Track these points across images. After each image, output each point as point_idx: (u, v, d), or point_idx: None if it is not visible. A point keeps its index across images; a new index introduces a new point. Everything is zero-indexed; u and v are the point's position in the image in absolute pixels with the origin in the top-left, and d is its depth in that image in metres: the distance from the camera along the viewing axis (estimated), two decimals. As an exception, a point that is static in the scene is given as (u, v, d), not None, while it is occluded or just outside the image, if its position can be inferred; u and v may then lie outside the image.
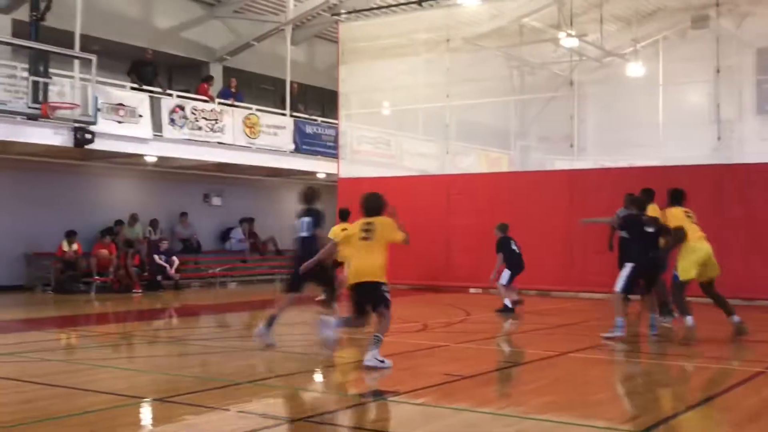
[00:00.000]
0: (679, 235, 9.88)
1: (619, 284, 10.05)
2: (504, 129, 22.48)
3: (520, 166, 22.55)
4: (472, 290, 17.88)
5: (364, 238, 8.28)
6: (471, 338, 10.58)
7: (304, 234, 9.48)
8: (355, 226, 8.64)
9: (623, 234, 11.41)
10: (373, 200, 8.74)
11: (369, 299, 8.10)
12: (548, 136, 22.17)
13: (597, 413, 6.24)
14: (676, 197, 10.34)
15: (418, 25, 20.16)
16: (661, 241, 10.22)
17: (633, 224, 10.31)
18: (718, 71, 16.55)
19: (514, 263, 13.20)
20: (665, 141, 18.78)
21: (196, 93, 19.95)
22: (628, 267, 10.09)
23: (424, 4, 20.14)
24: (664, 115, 19.09)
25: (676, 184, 15.60)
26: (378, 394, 6.67)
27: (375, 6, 22.53)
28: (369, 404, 6.42)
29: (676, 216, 10.06)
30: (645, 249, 10.13)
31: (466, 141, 21.60)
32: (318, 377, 7.99)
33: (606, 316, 13.22)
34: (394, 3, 21.94)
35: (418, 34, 20.06)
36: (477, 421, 5.87)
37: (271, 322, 9.14)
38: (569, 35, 19.58)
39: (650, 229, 10.10)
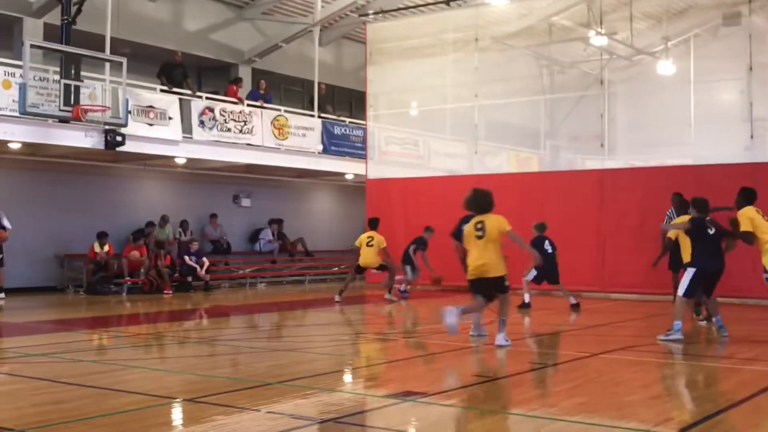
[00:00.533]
0: (748, 238, 9.76)
1: (683, 289, 9.89)
2: (533, 128, 22.34)
3: (550, 165, 22.41)
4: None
5: (479, 237, 9.09)
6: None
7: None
8: (469, 226, 9.35)
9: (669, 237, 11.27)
10: (481, 198, 9.43)
11: (490, 290, 9.14)
12: (578, 135, 22.00)
13: (629, 414, 6.16)
14: (748, 196, 10.12)
15: (446, 24, 20.12)
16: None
17: (698, 227, 10.08)
18: (750, 68, 16.33)
19: (542, 263, 13.10)
20: (697, 139, 18.58)
21: (225, 95, 20.06)
22: (690, 271, 9.92)
23: (452, 3, 20.10)
24: (695, 114, 18.89)
25: (708, 184, 15.46)
26: (407, 395, 6.63)
27: (402, 6, 22.52)
28: (398, 405, 6.39)
29: (747, 216, 9.84)
30: (708, 252, 9.92)
31: (495, 141, 21.51)
32: (347, 377, 7.98)
33: (635, 317, 13.09)
34: (421, 3, 21.92)
35: (446, 33, 20.02)
36: (507, 423, 5.82)
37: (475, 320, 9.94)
38: (599, 33, 19.43)
39: (712, 231, 9.95)
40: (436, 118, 21.73)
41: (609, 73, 21.14)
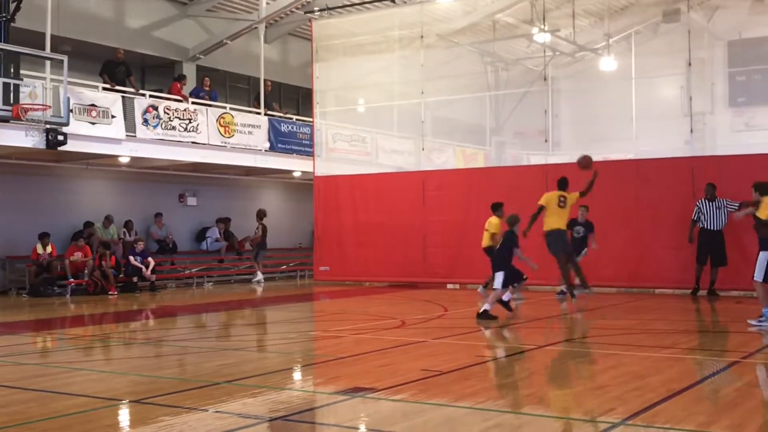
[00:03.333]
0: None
1: (759, 274, 10.13)
2: (479, 125, 22.58)
3: (495, 161, 22.66)
4: (449, 286, 17.92)
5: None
6: (448, 333, 10.61)
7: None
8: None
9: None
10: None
11: None
12: (523, 131, 22.30)
13: (574, 406, 6.29)
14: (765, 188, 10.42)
15: (391, 22, 20.17)
16: None
17: None
18: (689, 64, 16.71)
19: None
20: (639, 134, 18.96)
21: (169, 92, 19.82)
22: (763, 255, 10.14)
23: (397, 0, 20.16)
24: (637, 109, 19.27)
25: (650, 177, 15.84)
26: (356, 391, 6.66)
27: (348, 3, 22.49)
28: (347, 401, 6.42)
29: None
30: None
31: (442, 137, 21.66)
32: (296, 375, 7.98)
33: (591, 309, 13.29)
34: (367, 0, 21.93)
35: (392, 31, 20.08)
36: (455, 416, 5.89)
37: None
38: (542, 30, 19.68)
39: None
40: (384, 114, 21.80)
41: (552, 69, 21.46)
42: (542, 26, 19.36)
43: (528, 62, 22.25)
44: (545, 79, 20.29)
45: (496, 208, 13.98)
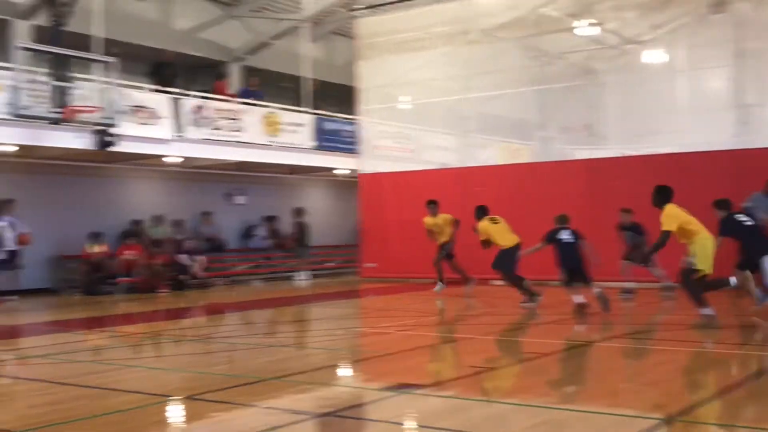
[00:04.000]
0: None
1: None
2: (524, 120, 22.43)
3: (540, 156, 22.47)
4: (495, 282, 17.84)
5: None
6: (497, 330, 10.59)
7: None
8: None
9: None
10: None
11: None
12: (568, 125, 22.09)
13: (623, 402, 6.25)
14: None
15: (435, 18, 20.13)
16: None
17: None
18: (738, 55, 16.40)
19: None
20: (686, 127, 18.64)
21: (214, 92, 20.04)
22: None
23: (441, -4, 20.11)
24: (684, 102, 18.95)
25: (698, 171, 15.58)
26: (403, 387, 6.70)
27: (392, 0, 22.50)
28: (394, 398, 6.46)
29: None
30: None
31: (486, 133, 21.54)
32: (343, 371, 8.04)
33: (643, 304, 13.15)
34: (411, -3, 21.91)
35: (436, 27, 20.03)
36: (503, 413, 5.89)
37: None
38: (587, 24, 19.47)
39: None
40: (428, 111, 21.76)
41: (598, 63, 21.24)
42: (587, 19, 19.16)
43: (573, 56, 22.02)
44: (590, 73, 20.08)
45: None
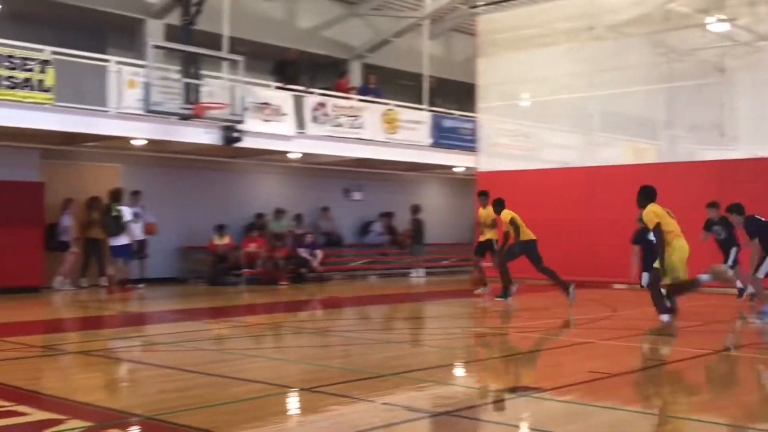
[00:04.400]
0: None
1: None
2: (650, 118, 21.70)
3: (667, 156, 21.70)
4: (616, 286, 17.40)
5: None
6: (617, 335, 10.32)
7: None
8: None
9: None
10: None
11: None
12: (697, 125, 21.23)
13: (752, 414, 5.96)
14: None
15: (559, 14, 19.76)
16: None
17: None
18: None
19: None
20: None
21: (335, 89, 20.34)
22: None
23: (565, -8, 19.75)
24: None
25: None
26: (521, 390, 6.62)
27: (514, -3, 22.27)
28: (512, 400, 6.39)
29: None
30: None
31: (610, 132, 21.00)
32: (460, 371, 8.01)
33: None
34: (534, -7, 21.62)
35: (559, 23, 19.67)
36: (623, 420, 5.72)
37: None
38: (719, 19, 18.69)
39: None
40: (549, 109, 21.38)
41: (729, 60, 20.31)
42: (719, 15, 18.37)
43: (703, 53, 21.14)
44: (722, 71, 19.25)
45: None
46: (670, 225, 10.36)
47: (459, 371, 8.01)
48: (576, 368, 7.65)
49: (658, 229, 10.28)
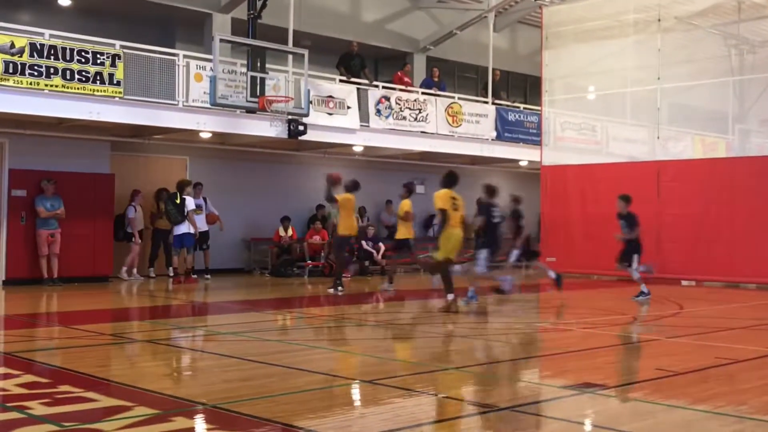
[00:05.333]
0: None
1: None
2: (721, 112, 21.16)
3: (738, 151, 21.15)
4: (684, 283, 17.05)
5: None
6: (684, 333, 10.11)
7: None
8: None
9: None
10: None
11: None
12: (770, 119, 20.65)
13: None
14: None
15: (626, 5, 19.42)
16: None
17: None
18: None
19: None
20: None
21: (393, 82, 20.31)
22: None
23: (633, -17, 19.38)
24: None
25: None
26: (585, 386, 6.52)
27: (581, -12, 21.95)
28: (575, 396, 6.30)
29: None
30: None
31: (679, 125, 20.55)
32: (522, 366, 7.94)
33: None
34: (601, -16, 21.27)
35: (627, 14, 19.32)
36: (691, 420, 5.60)
37: None
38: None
39: None
40: (615, 102, 21.04)
41: (805, 52, 19.70)
42: (795, 4, 17.82)
43: (777, 44, 20.55)
44: (797, 62, 18.68)
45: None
46: (452, 212, 11.59)
47: (521, 366, 7.94)
48: (642, 366, 7.51)
49: (445, 211, 11.56)
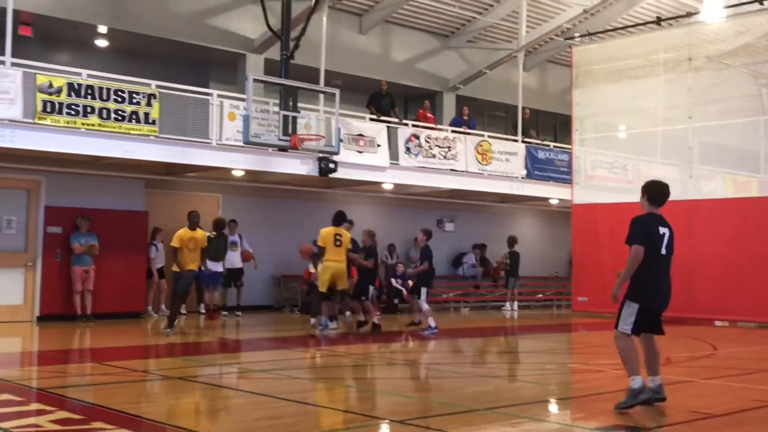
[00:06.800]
0: None
1: None
2: (753, 151, 21.01)
3: (771, 190, 20.96)
4: (717, 323, 16.83)
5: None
6: (719, 374, 9.97)
7: None
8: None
9: None
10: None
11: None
12: (803, 158, 20.44)
13: None
14: None
15: (656, 45, 19.46)
16: None
17: None
18: None
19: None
20: None
21: (417, 119, 20.43)
22: None
23: (663, 23, 19.43)
24: None
25: None
26: (618, 429, 6.45)
27: (610, 28, 22.03)
28: (609, 439, 6.23)
29: None
30: None
31: (711, 164, 20.42)
32: (554, 407, 7.87)
33: None
34: (630, 24, 21.34)
35: (657, 54, 19.35)
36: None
37: None
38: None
39: None
40: (646, 141, 20.97)
41: (835, 91, 19.56)
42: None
43: (809, 84, 20.41)
44: (829, 102, 18.56)
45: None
46: (332, 247, 13.56)
47: (553, 407, 7.88)
48: (676, 407, 7.41)
49: (322, 248, 13.72)
